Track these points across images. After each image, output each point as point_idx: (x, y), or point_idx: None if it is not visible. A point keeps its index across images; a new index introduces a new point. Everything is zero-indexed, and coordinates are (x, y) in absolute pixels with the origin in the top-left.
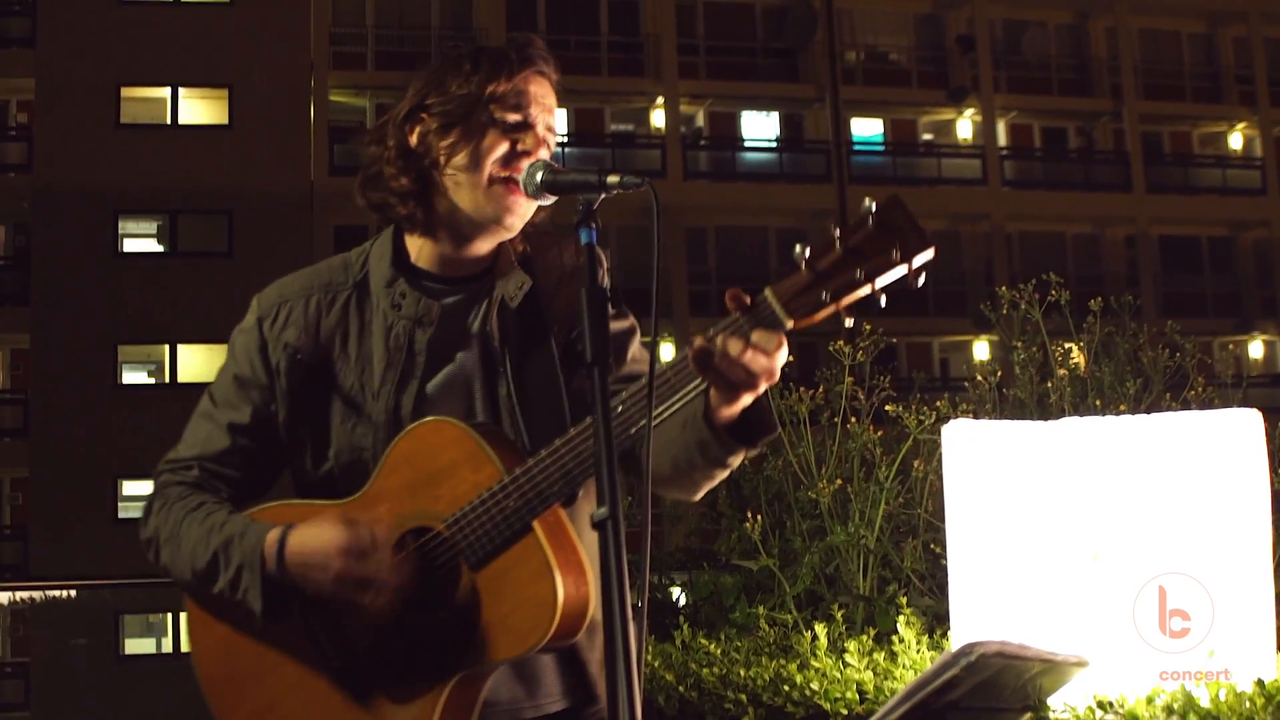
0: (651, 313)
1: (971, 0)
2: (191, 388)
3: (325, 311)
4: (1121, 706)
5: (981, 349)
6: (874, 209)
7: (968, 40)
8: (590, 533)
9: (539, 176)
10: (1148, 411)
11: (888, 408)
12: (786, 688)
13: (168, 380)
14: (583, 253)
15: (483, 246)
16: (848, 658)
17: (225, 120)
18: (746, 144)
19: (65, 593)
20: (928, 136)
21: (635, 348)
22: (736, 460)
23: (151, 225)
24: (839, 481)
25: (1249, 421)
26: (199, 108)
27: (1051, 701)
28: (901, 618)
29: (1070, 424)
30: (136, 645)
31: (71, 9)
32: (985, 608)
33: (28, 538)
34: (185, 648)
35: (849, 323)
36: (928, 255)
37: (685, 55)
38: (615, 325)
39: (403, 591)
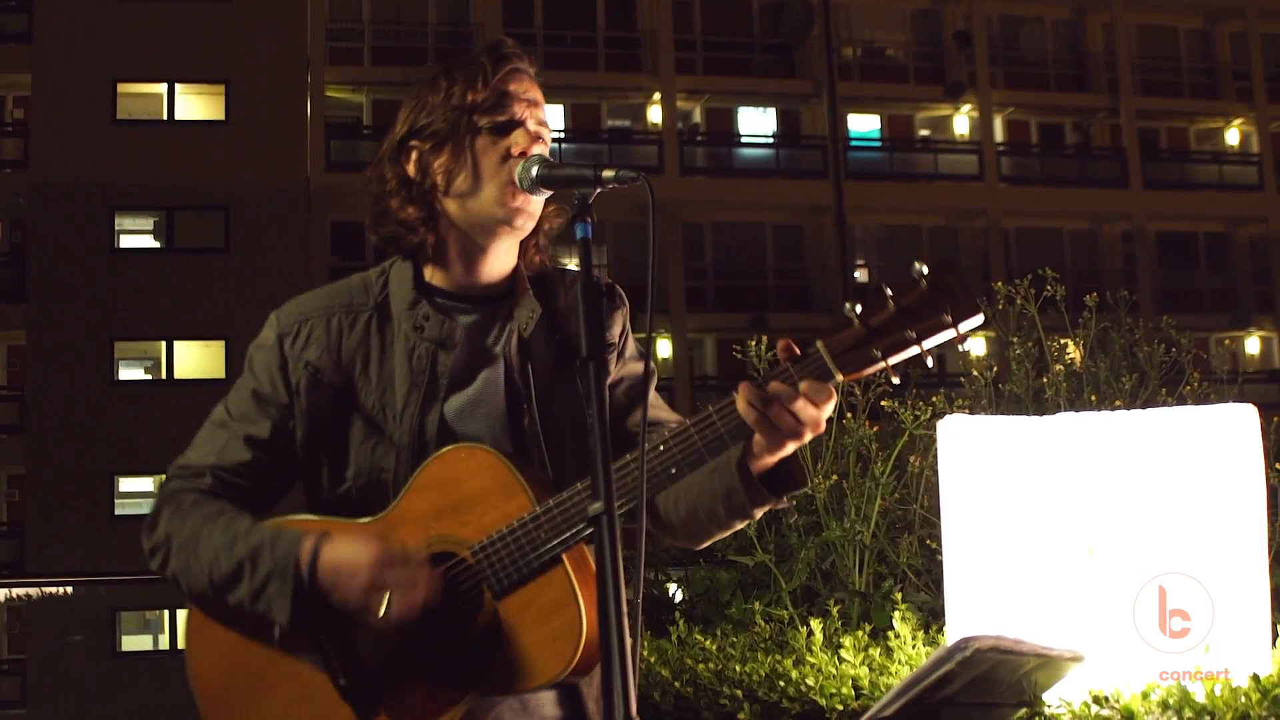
0: (647, 308)
1: None
2: (188, 384)
3: (347, 331)
4: (1117, 701)
5: (978, 344)
6: (926, 270)
7: (965, 36)
8: None
9: (534, 171)
10: (1144, 407)
11: (884, 403)
12: (782, 683)
13: (164, 376)
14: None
15: (498, 260)
16: (843, 653)
17: (222, 116)
18: (743, 139)
19: (62, 589)
20: (924, 132)
21: (654, 395)
22: (760, 512)
23: (148, 221)
24: (835, 477)
25: (1245, 417)
26: (195, 103)
27: (1047, 697)
28: (897, 613)
29: (1066, 419)
30: (133, 642)
31: (68, 4)
32: (981, 603)
33: (24, 534)
34: (182, 645)
35: (896, 380)
36: (977, 321)
37: (682, 51)
38: (635, 368)
39: (429, 606)
